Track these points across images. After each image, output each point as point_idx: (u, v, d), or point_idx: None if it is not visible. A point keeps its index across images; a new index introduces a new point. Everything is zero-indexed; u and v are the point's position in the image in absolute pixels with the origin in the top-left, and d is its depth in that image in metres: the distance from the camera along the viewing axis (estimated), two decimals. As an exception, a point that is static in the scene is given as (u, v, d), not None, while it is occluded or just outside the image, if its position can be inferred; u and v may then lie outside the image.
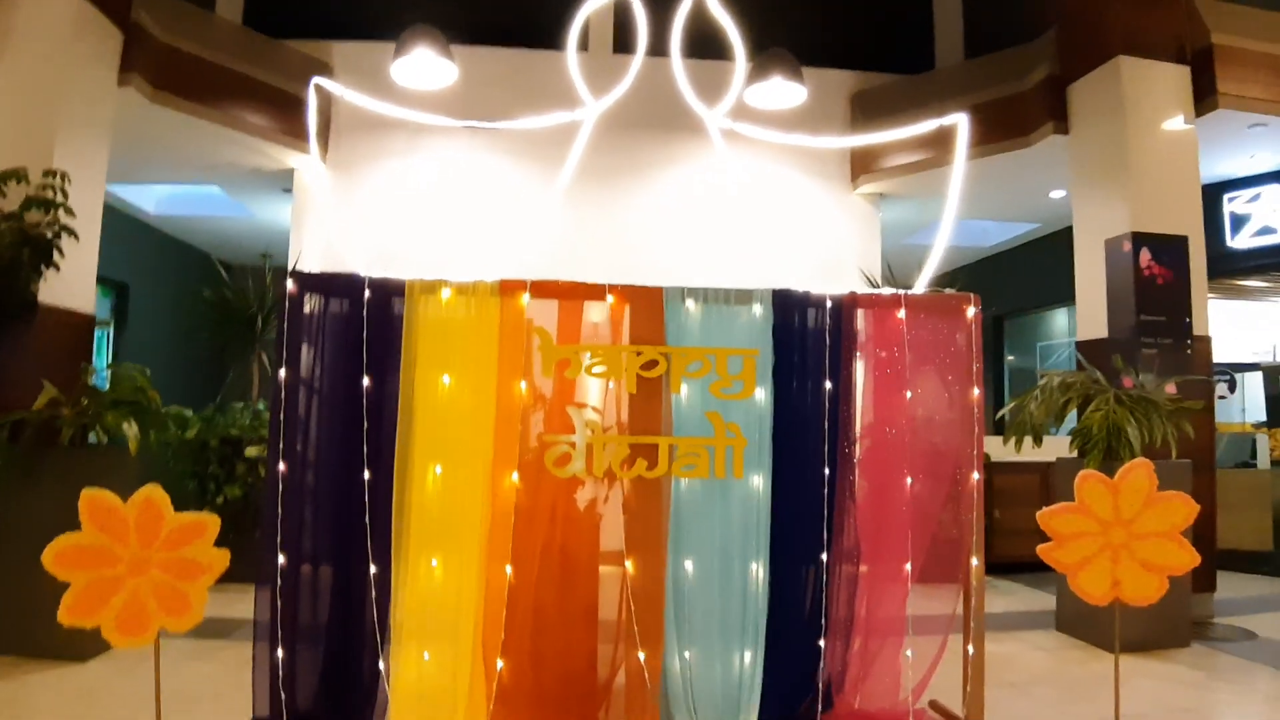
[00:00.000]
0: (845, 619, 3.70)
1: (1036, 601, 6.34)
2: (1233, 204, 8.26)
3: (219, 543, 3.24)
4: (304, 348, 3.49)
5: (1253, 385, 9.35)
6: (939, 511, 3.77)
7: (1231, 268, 8.39)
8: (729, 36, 4.36)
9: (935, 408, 3.84)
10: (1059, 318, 11.49)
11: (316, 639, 3.44)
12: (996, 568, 7.40)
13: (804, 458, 3.64)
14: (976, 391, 3.73)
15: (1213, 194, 8.14)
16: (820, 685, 3.60)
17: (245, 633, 3.48)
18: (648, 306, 3.60)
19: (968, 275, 11.66)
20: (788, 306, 3.68)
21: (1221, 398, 8.72)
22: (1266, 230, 8.13)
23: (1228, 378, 8.83)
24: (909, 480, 3.75)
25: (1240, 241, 8.24)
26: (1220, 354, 8.56)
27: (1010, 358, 12.39)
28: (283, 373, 3.40)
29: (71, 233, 5.32)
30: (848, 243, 8.52)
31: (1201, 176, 6.67)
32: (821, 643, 3.61)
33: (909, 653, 3.67)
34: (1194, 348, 6.23)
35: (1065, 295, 7.06)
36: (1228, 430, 8.75)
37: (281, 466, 3.38)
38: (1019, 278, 11.13)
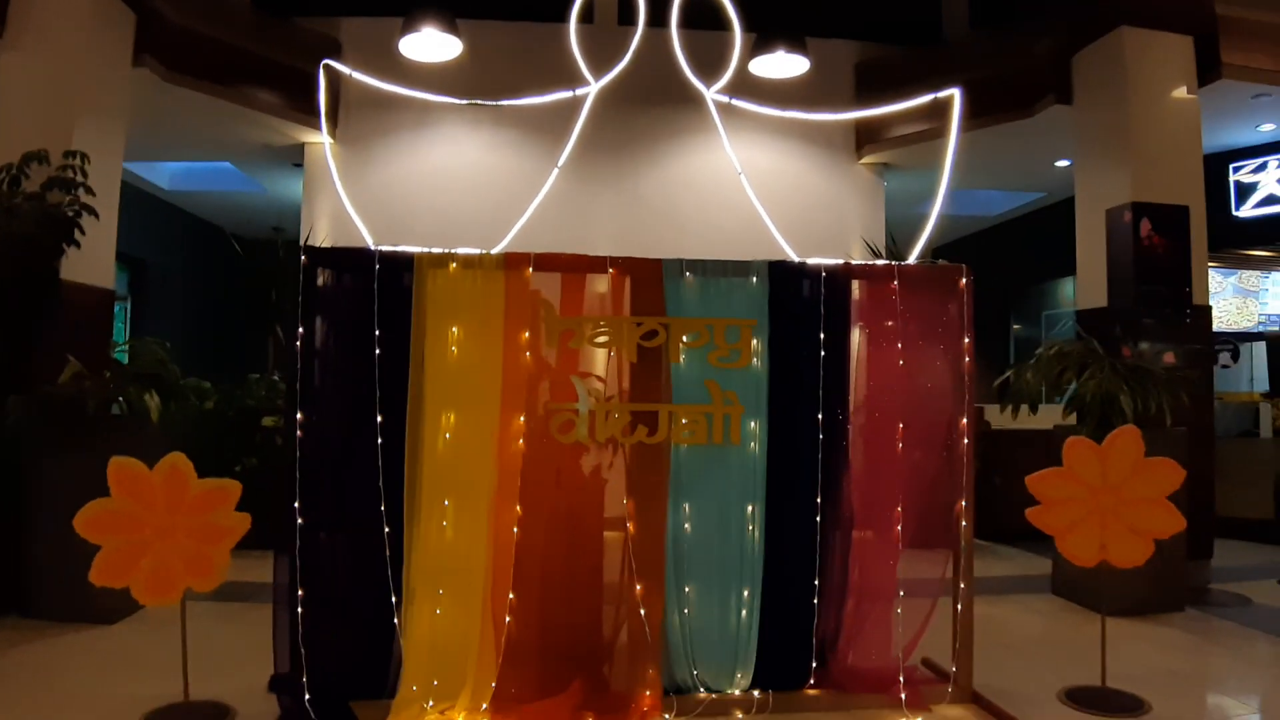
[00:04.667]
0: (839, 581, 3.82)
1: (1035, 567, 6.45)
2: (1238, 174, 8.30)
3: (239, 509, 3.42)
4: (318, 320, 3.61)
5: (1259, 355, 9.39)
6: (932, 478, 3.88)
7: (1237, 237, 8.44)
8: (728, 13, 4.43)
9: (928, 376, 3.94)
10: (1065, 287, 11.52)
11: (333, 600, 3.57)
12: (998, 535, 7.52)
13: (799, 425, 3.76)
14: (967, 360, 3.82)
15: (1218, 164, 8.19)
16: (814, 643, 3.74)
17: (266, 595, 3.61)
18: (648, 278, 3.71)
19: (974, 244, 11.75)
20: (784, 277, 3.79)
21: (1225, 367, 8.78)
22: (1272, 200, 8.18)
23: (1231, 347, 8.88)
24: (902, 447, 3.85)
25: (1246, 211, 8.28)
26: (1227, 324, 8.67)
27: (1016, 327, 12.44)
28: (298, 345, 3.53)
29: (92, 211, 5.46)
30: (852, 213, 8.63)
31: (1207, 146, 6.70)
32: (815, 603, 3.75)
33: (900, 612, 3.79)
34: (1193, 317, 6.29)
35: (1071, 265, 7.14)
36: (1234, 400, 8.82)
37: (299, 434, 3.53)
38: (1025, 247, 11.18)
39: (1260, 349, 9.05)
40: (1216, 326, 8.90)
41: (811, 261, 3.83)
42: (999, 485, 7.31)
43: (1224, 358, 8.80)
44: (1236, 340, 9.07)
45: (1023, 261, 11.34)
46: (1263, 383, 9.14)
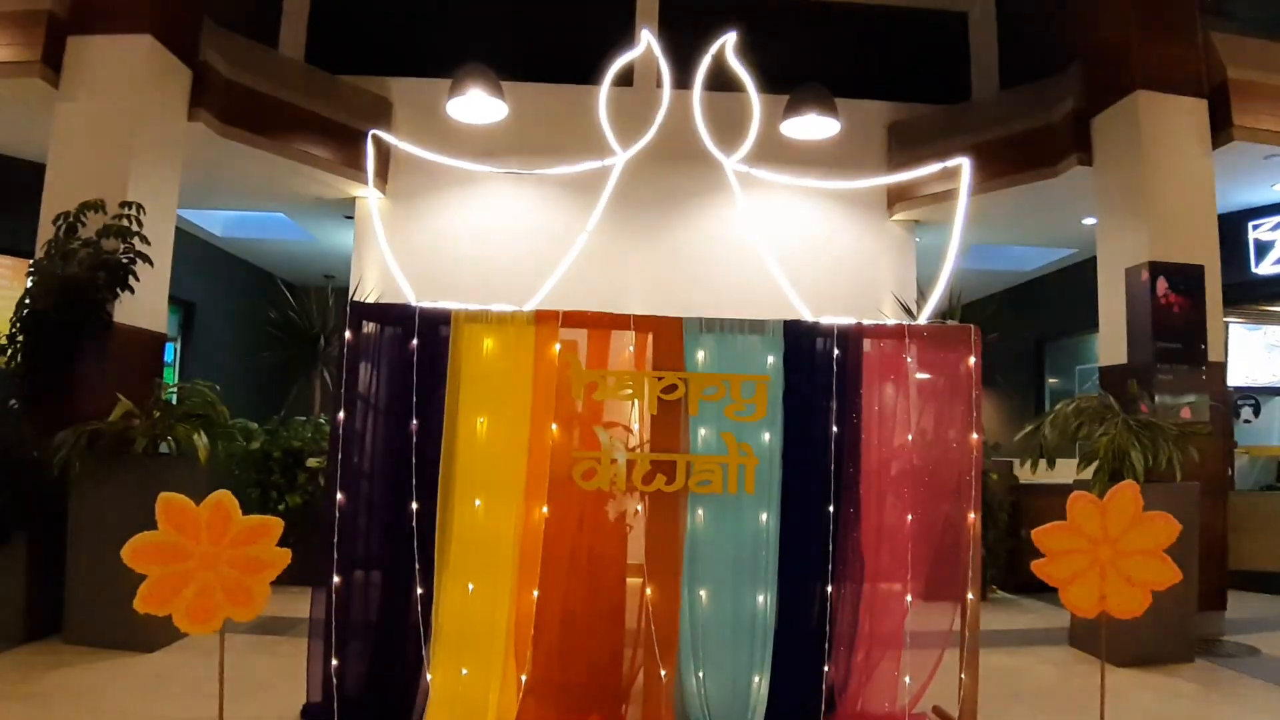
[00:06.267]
0: (849, 630, 3.97)
1: (1055, 619, 6.51)
2: (1256, 231, 8.40)
3: (280, 545, 3.63)
4: (361, 368, 3.87)
5: (1282, 409, 9.41)
6: (942, 530, 4.03)
7: (1256, 294, 8.53)
8: (748, 87, 4.67)
9: (938, 431, 4.11)
10: (1096, 341, 11.58)
11: (365, 634, 3.79)
12: (1023, 587, 7.59)
13: (811, 477, 3.93)
14: (976, 416, 3.98)
15: (1237, 222, 8.31)
16: (824, 689, 3.89)
17: (302, 629, 3.82)
18: (669, 335, 3.93)
19: (1009, 299, 11.79)
20: (797, 336, 4.00)
21: (1246, 421, 8.83)
22: (1291, 256, 8.29)
23: (1252, 402, 8.93)
24: (912, 500, 4.02)
25: (1265, 268, 8.37)
26: (1253, 379, 8.73)
27: (1052, 380, 12.47)
28: (342, 392, 3.78)
29: (146, 259, 5.75)
30: (884, 269, 8.77)
31: (1225, 205, 6.83)
32: (826, 650, 3.90)
33: (908, 660, 3.93)
34: (1208, 374, 6.40)
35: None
36: (1258, 454, 8.85)
37: (340, 476, 3.77)
38: (1059, 301, 11.23)
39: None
40: (1242, 382, 8.98)
41: (825, 320, 4.03)
42: (1024, 537, 7.44)
43: (1246, 412, 8.85)
44: (1262, 395, 9.11)
45: (1056, 315, 11.42)
46: (1286, 437, 9.17)
